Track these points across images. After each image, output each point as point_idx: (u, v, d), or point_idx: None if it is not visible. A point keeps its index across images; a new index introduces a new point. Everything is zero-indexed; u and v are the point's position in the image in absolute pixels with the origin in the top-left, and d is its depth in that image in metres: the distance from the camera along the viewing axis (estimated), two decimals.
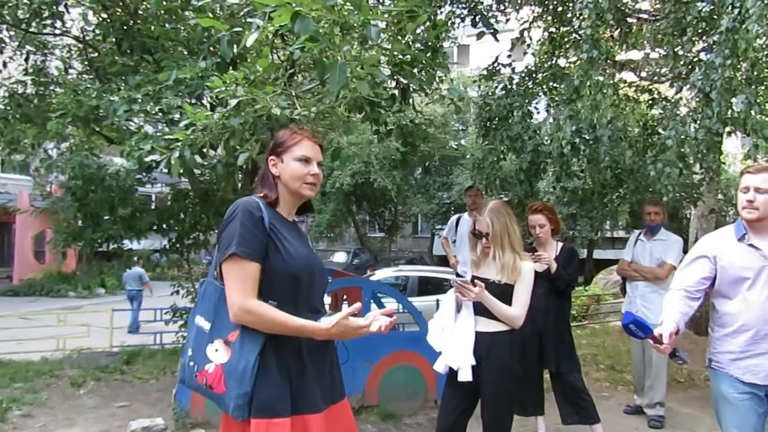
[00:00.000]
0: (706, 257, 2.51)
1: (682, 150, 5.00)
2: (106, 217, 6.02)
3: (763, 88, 5.77)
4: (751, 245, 2.43)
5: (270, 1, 2.51)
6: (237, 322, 1.79)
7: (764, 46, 4.67)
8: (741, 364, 2.42)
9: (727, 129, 5.25)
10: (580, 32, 5.38)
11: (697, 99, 4.91)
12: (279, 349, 1.80)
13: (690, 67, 5.55)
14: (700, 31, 5.62)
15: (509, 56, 7.19)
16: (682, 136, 4.81)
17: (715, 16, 5.14)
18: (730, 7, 4.40)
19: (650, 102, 7.85)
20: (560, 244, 4.12)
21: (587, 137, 5.39)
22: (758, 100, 4.80)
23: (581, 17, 5.21)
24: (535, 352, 3.98)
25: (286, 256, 1.84)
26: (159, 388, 5.55)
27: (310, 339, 1.86)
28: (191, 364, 1.86)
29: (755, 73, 4.89)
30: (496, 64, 7.19)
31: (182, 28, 4.79)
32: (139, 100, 3.82)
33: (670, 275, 4.65)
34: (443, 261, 8.43)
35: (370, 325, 1.84)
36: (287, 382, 1.80)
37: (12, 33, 5.61)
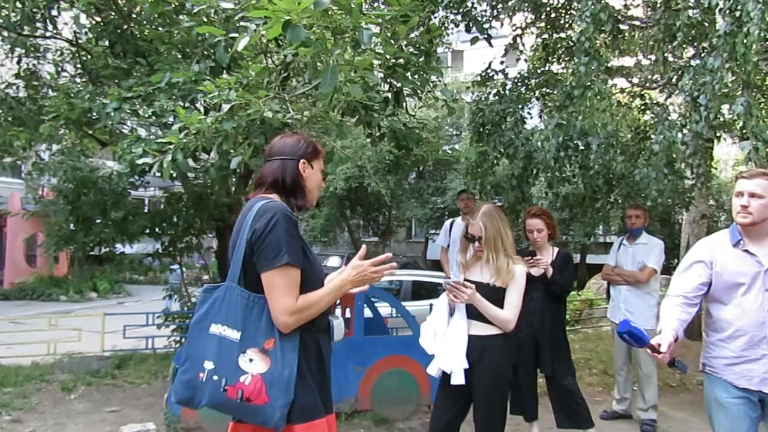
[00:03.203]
0: (703, 262, 2.50)
1: (671, 155, 5.03)
2: (98, 221, 6.00)
3: (758, 93, 5.79)
4: (746, 251, 2.43)
5: (261, 14, 2.52)
6: (289, 327, 1.76)
7: (762, 50, 4.68)
8: (735, 369, 2.41)
9: (718, 134, 5.29)
10: (575, 44, 5.41)
11: (686, 104, 4.95)
12: (306, 353, 1.82)
13: (680, 72, 5.61)
14: (690, 37, 5.67)
15: (502, 62, 7.23)
16: (670, 141, 4.85)
17: (706, 23, 5.19)
18: (727, 12, 4.43)
19: (642, 107, 7.91)
20: (556, 249, 4.14)
21: (579, 144, 5.43)
22: (755, 105, 4.81)
23: (578, 27, 5.25)
24: (532, 355, 4.00)
25: (314, 262, 1.89)
26: (150, 393, 5.51)
27: (326, 341, 1.92)
28: (215, 378, 1.73)
29: (753, 77, 4.92)
30: (489, 70, 7.22)
31: (176, 31, 4.78)
32: (131, 101, 3.81)
33: (651, 278, 4.69)
34: (437, 265, 8.48)
35: (380, 264, 1.89)
36: (315, 384, 1.84)
37: (4, 36, 5.59)
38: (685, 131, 4.85)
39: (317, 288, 1.87)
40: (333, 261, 20.81)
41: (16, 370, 6.17)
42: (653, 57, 7.32)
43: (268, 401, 1.70)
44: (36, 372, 6.07)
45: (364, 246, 1.94)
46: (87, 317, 7.97)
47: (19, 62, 5.93)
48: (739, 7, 4.31)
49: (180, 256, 6.81)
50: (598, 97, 5.17)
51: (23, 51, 5.84)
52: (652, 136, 5.52)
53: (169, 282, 12.09)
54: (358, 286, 1.89)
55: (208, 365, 1.75)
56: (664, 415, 4.99)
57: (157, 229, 6.17)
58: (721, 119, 4.84)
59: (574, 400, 4.04)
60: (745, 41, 4.23)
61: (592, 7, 5.05)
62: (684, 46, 5.74)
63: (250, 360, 1.73)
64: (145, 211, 7.05)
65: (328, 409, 1.88)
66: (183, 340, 6.64)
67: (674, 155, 5.03)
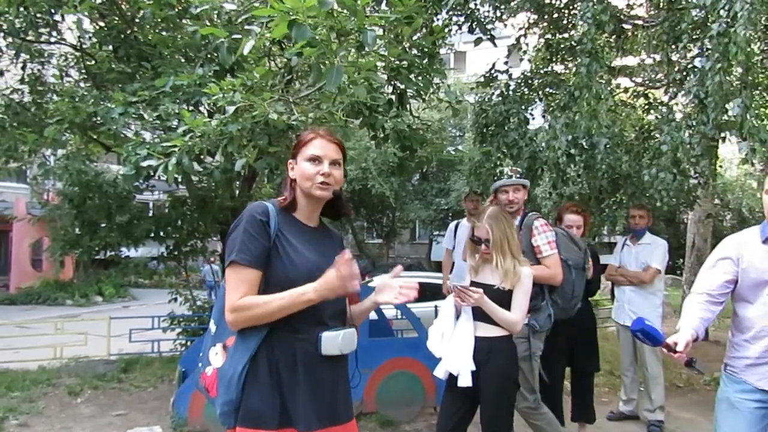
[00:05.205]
0: (730, 259, 2.39)
1: (677, 155, 5.02)
2: (103, 225, 6.01)
3: (757, 92, 5.79)
4: None
5: (267, 12, 2.52)
6: (233, 325, 1.77)
7: (758, 51, 4.70)
8: (758, 370, 2.32)
9: (723, 134, 5.27)
10: (577, 45, 5.41)
11: (693, 105, 4.94)
12: (272, 359, 1.75)
13: (684, 73, 5.57)
14: (695, 37, 5.66)
15: (506, 63, 7.23)
16: (677, 142, 4.84)
17: (709, 23, 5.18)
18: (721, 12, 4.43)
19: (646, 107, 7.89)
20: None
21: (584, 144, 5.41)
22: (753, 104, 4.81)
23: (579, 28, 5.25)
24: (564, 354, 4.04)
25: (287, 263, 1.78)
26: (156, 396, 5.52)
27: (307, 352, 1.78)
28: (200, 364, 1.90)
29: (750, 77, 4.92)
30: (492, 71, 7.21)
31: (179, 35, 4.80)
32: (136, 105, 3.82)
33: (655, 279, 4.68)
34: (441, 267, 8.47)
35: (348, 275, 1.70)
36: (278, 393, 1.74)
37: (9, 42, 5.61)
38: (690, 131, 4.84)
39: None
40: None
41: (23, 374, 6.18)
42: (657, 56, 7.31)
43: (216, 396, 1.78)
44: (43, 376, 6.08)
45: (346, 252, 1.75)
46: (93, 321, 8.00)
47: (23, 68, 5.96)
48: (728, 7, 4.31)
49: (184, 260, 6.82)
50: (601, 98, 5.16)
51: (28, 56, 5.86)
52: (657, 136, 5.50)
53: (206, 281, 13.06)
54: (324, 295, 1.73)
55: (201, 353, 1.93)
56: (672, 415, 4.96)
57: (161, 233, 6.18)
58: (726, 118, 4.82)
59: (592, 396, 4.20)
60: (736, 41, 4.23)
61: (594, 8, 5.05)
62: (688, 46, 5.73)
63: (216, 354, 1.84)
64: (150, 214, 7.05)
65: (298, 423, 1.73)
66: (189, 343, 6.65)
67: (681, 155, 5.01)
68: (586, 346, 4.11)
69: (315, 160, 1.85)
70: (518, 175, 3.62)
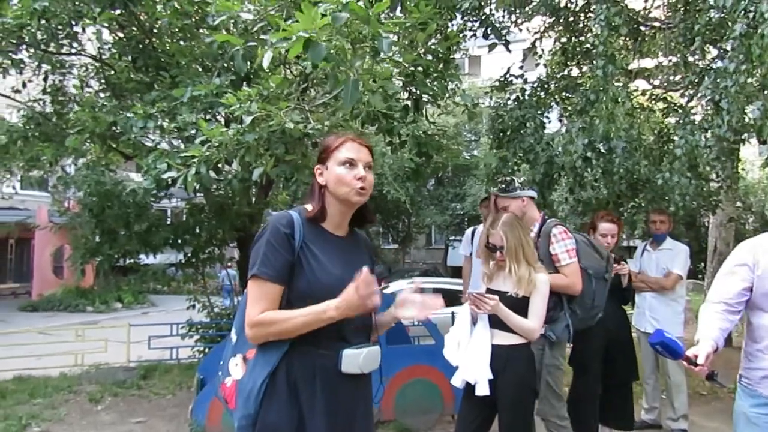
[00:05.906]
0: (746, 265, 2.29)
1: (694, 159, 4.95)
2: (122, 233, 6.09)
3: None
4: None
5: (280, 36, 2.52)
6: (252, 340, 1.74)
7: None
8: None
9: (743, 137, 5.19)
10: (593, 48, 5.38)
11: (708, 108, 4.87)
12: (292, 373, 1.71)
13: (701, 75, 5.49)
14: (714, 38, 5.58)
15: (521, 67, 7.19)
16: (692, 145, 4.77)
17: (730, 23, 5.11)
18: (743, 12, 4.36)
19: (665, 110, 7.79)
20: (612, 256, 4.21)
21: (601, 148, 5.36)
22: None
23: (594, 31, 5.22)
24: (600, 363, 3.99)
25: (310, 277, 1.72)
26: (175, 404, 5.56)
27: (327, 368, 1.74)
28: (220, 373, 1.89)
29: None
30: (507, 76, 7.18)
31: (196, 45, 4.86)
32: (155, 116, 3.87)
33: (677, 285, 4.61)
34: (457, 272, 8.43)
35: (366, 293, 1.63)
36: (296, 409, 1.70)
37: (31, 53, 5.73)
38: (708, 135, 4.77)
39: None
40: None
41: (45, 381, 6.28)
42: (675, 59, 7.23)
43: (235, 408, 1.76)
44: (64, 383, 6.17)
45: (365, 270, 1.67)
46: (113, 328, 8.10)
47: (45, 79, 6.07)
48: (753, 9, 4.24)
49: (202, 267, 6.88)
50: (618, 101, 5.11)
51: (49, 67, 5.98)
52: (675, 139, 5.44)
53: (224, 284, 13.46)
54: (345, 313, 1.66)
55: (221, 362, 1.92)
56: (695, 424, 4.87)
57: (179, 240, 6.25)
58: (746, 120, 4.73)
59: (629, 404, 4.18)
60: (759, 43, 4.15)
61: (607, 11, 5.01)
62: (705, 48, 5.65)
63: (236, 365, 1.83)
64: (168, 222, 7.12)
65: None
66: (207, 350, 6.69)
67: (697, 159, 4.94)
68: (623, 354, 4.07)
69: (349, 163, 1.78)
70: (505, 186, 3.57)
